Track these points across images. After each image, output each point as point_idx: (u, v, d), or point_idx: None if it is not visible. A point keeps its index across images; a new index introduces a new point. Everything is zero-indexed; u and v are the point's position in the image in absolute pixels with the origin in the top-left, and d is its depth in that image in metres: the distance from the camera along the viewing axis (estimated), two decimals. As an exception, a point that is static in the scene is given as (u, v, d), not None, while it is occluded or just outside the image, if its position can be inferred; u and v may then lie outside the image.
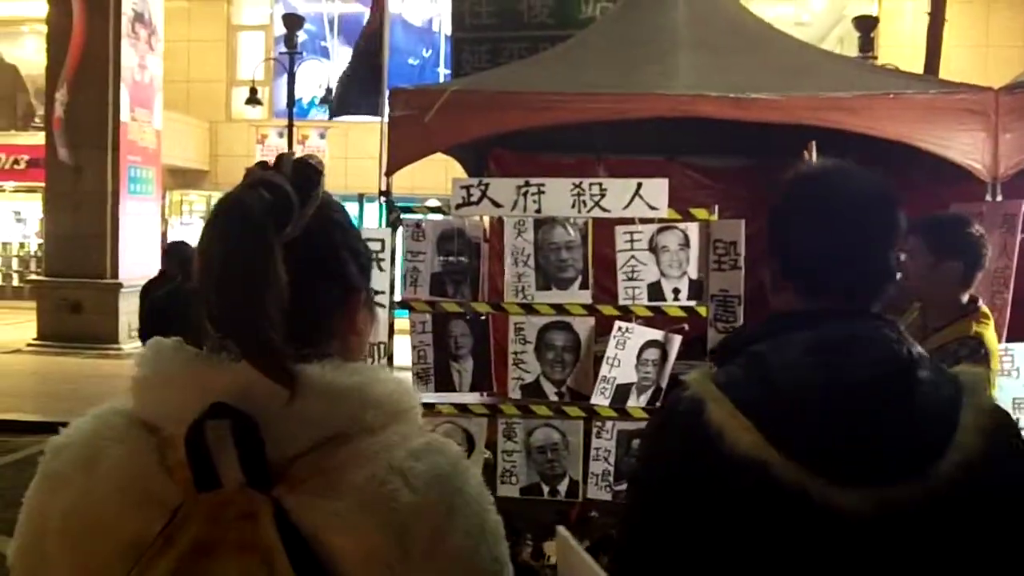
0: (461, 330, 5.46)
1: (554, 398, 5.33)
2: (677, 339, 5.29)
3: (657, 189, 5.14)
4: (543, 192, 5.24)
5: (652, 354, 5.27)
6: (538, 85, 5.44)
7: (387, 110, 5.53)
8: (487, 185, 5.26)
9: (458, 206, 5.33)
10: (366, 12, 22.53)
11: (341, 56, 22.21)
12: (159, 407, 1.13)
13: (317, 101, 20.74)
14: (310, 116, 22.14)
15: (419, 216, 5.53)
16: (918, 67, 9.67)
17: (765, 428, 1.43)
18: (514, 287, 5.31)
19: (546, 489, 5.36)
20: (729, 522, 1.42)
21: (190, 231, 26.19)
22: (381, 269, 5.35)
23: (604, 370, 5.23)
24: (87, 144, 17.77)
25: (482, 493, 1.20)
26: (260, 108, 20.18)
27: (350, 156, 19.45)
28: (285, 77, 22.67)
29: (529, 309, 5.28)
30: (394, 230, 5.43)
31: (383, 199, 5.54)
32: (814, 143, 4.84)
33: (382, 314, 5.38)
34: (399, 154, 5.40)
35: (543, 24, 8.29)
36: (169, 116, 20.13)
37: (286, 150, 15.58)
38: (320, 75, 21.52)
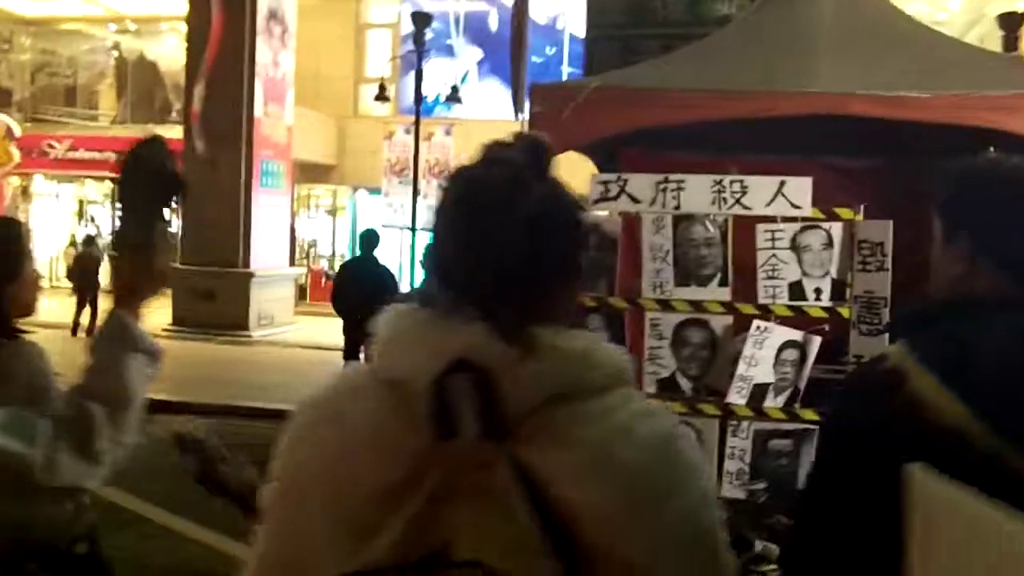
0: (596, 324, 5.49)
1: (690, 395, 5.32)
2: (817, 340, 5.22)
3: (800, 187, 5.10)
4: (682, 188, 5.25)
5: (791, 355, 5.22)
6: (676, 82, 5.44)
7: (527, 106, 5.60)
8: (626, 181, 5.29)
9: (595, 201, 5.37)
10: (491, 11, 22.81)
11: (467, 55, 22.54)
12: (402, 365, 1.20)
13: (443, 98, 21.02)
14: (435, 113, 22.47)
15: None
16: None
17: (970, 402, 1.50)
18: (651, 283, 5.33)
19: (679, 486, 5.36)
20: None
21: (317, 224, 26.88)
22: (519, 263, 5.43)
23: (741, 369, 5.19)
24: (222, 138, 18.39)
25: (700, 459, 1.24)
26: (387, 105, 20.57)
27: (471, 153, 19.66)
28: (411, 74, 23.14)
29: (666, 305, 5.29)
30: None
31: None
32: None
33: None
34: (539, 149, 5.46)
35: (677, 22, 8.27)
36: (299, 112, 20.68)
37: (412, 146, 15.83)
38: (446, 73, 21.82)
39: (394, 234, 17.61)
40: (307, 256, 25.89)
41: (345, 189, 24.90)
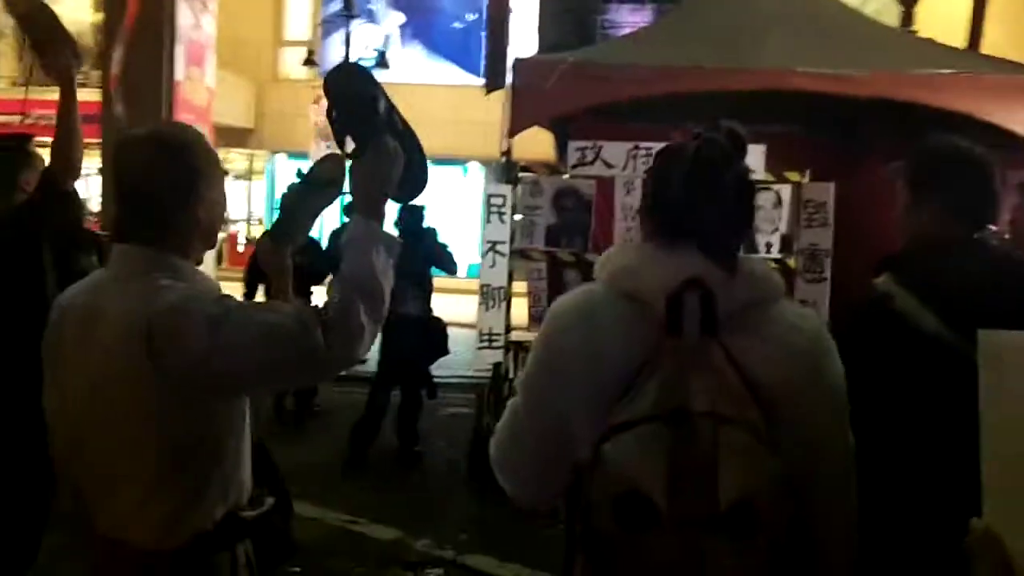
0: (573, 277, 6.12)
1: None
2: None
3: (754, 154, 5.79)
4: (651, 155, 5.87)
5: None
6: (647, 59, 6.05)
7: (509, 77, 6.13)
8: (600, 148, 5.91)
9: (573, 166, 5.99)
10: (412, -24, 23.10)
11: (389, 19, 22.76)
12: (640, 282, 1.76)
13: (367, 64, 21.26)
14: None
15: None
16: (956, 41, 10.18)
17: (941, 314, 2.19)
18: (623, 239, 5.97)
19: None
20: (909, 379, 2.17)
21: (233, 189, 26.77)
22: (503, 222, 6.02)
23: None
24: (143, 102, 18.31)
25: (835, 347, 1.84)
26: (306, 68, 20.68)
27: (407, 117, 19.99)
28: (332, 39, 23.34)
29: (636, 259, 5.94)
30: (514, 187, 6.08)
31: (504, 159, 6.18)
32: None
33: (502, 262, 6.06)
34: (520, 120, 6.03)
35: (624, -2, 8.88)
36: (218, 75, 20.64)
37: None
38: (367, 37, 22.02)
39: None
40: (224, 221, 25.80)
41: (263, 153, 24.92)
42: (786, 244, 5.87)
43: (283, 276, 2.22)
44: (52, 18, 3.40)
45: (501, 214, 5.98)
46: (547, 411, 1.80)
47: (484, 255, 6.02)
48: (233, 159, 26.09)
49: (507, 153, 6.18)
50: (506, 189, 6.04)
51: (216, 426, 1.88)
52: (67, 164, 3.33)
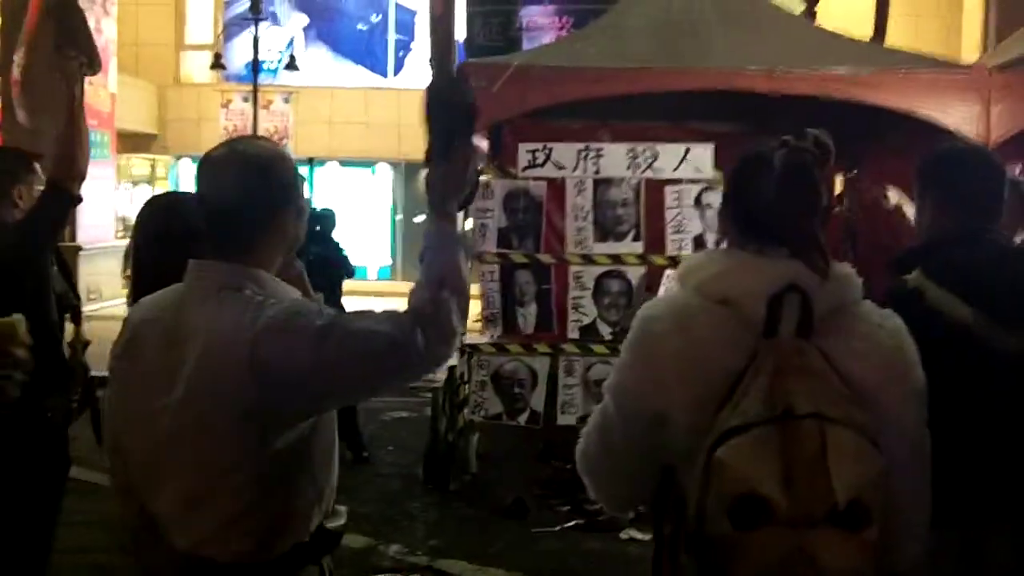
0: (526, 279, 6.14)
1: (609, 338, 6.05)
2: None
3: (703, 154, 5.91)
4: (601, 156, 5.97)
5: (694, 298, 6.02)
6: (591, 60, 6.10)
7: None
8: (551, 150, 5.95)
9: (524, 168, 6.02)
10: (316, -23, 22.85)
11: (293, 21, 22.49)
12: (736, 288, 1.78)
13: (272, 66, 20.99)
14: (261, 80, 22.33)
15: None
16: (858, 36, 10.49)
17: (970, 303, 2.32)
18: (574, 240, 6.02)
19: (600, 417, 6.09)
20: (950, 369, 2.25)
21: (136, 195, 26.14)
22: (454, 225, 6.00)
23: (655, 312, 5.96)
24: (46, 107, 17.78)
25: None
26: (210, 71, 20.34)
27: (310, 121, 19.82)
28: (235, 41, 22.93)
29: (588, 260, 5.99)
30: (465, 189, 6.06)
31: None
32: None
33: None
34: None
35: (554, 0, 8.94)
36: (119, 80, 20.16)
37: (251, 114, 15.71)
38: (271, 39, 21.73)
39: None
40: (126, 228, 25.18)
41: (166, 159, 24.37)
42: (735, 241, 5.97)
43: (302, 284, 2.20)
44: (82, 21, 3.55)
45: (452, 217, 5.95)
46: (643, 416, 1.81)
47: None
48: (135, 165, 25.49)
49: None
50: (457, 192, 6.01)
51: (311, 437, 1.86)
52: (73, 169, 3.32)
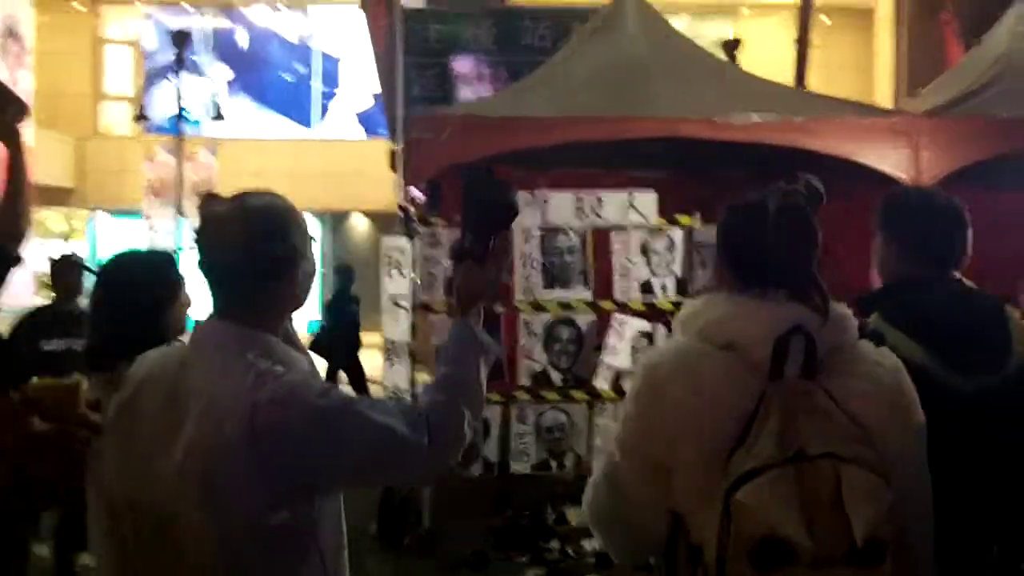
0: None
1: (560, 385, 6.06)
2: (662, 329, 6.11)
3: (647, 200, 6.00)
4: (548, 204, 6.01)
5: (643, 343, 6.08)
6: (538, 109, 6.17)
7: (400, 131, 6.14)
8: (498, 198, 5.97)
9: (472, 217, 6.02)
10: (239, 28, 22.74)
11: (215, 72, 22.33)
12: (742, 332, 1.80)
13: (193, 117, 20.79)
14: (177, 132, 22.07)
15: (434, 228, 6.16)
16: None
17: (926, 346, 2.34)
18: (523, 288, 6.04)
19: (554, 464, 6.09)
20: None
21: (52, 251, 25.50)
22: (402, 275, 5.99)
23: (605, 358, 6.01)
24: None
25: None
26: (130, 124, 20.07)
27: (235, 173, 19.61)
28: (156, 92, 22.62)
29: (538, 307, 6.01)
30: (411, 239, 6.06)
31: (402, 212, 6.17)
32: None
33: (404, 316, 6.02)
34: (416, 172, 6.06)
35: (488, 50, 9.03)
36: (36, 133, 19.77)
37: (175, 166, 15.46)
38: (196, 91, 21.55)
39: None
40: (43, 286, 24.57)
41: (83, 212, 23.89)
42: (681, 286, 6.05)
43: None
44: None
45: (400, 268, 5.95)
46: (651, 465, 1.82)
47: (386, 310, 5.96)
48: (49, 219, 24.93)
49: (404, 208, 6.16)
50: (403, 242, 6.01)
51: (310, 520, 1.81)
52: (16, 227, 3.15)
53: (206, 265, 1.86)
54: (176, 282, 2.67)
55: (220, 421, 1.72)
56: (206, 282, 1.87)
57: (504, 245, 2.04)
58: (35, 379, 1.65)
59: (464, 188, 2.06)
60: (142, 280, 2.59)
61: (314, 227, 22.78)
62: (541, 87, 6.57)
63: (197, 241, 1.86)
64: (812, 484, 1.66)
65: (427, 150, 5.97)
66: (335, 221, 23.14)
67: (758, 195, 1.90)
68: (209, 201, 1.90)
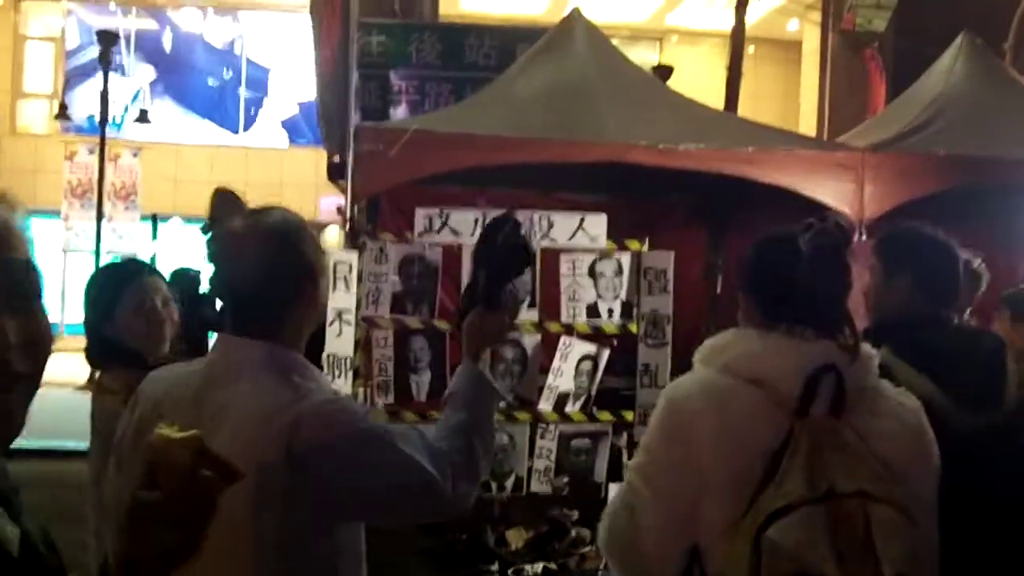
0: (420, 345, 6.06)
1: (504, 405, 6.02)
2: (606, 352, 6.12)
3: (597, 223, 6.00)
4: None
5: (586, 366, 6.08)
6: (489, 127, 6.15)
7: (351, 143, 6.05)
8: (448, 215, 5.93)
9: (421, 233, 5.98)
10: (165, 30, 22.31)
11: (139, 73, 21.88)
12: (772, 368, 1.80)
13: (129, 119, 20.36)
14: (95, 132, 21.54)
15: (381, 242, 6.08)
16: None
17: (932, 380, 2.45)
18: (469, 292, 5.98)
19: (494, 485, 6.03)
20: None
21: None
22: (348, 289, 5.90)
23: (549, 379, 5.99)
24: None
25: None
26: (48, 123, 19.57)
27: (156, 177, 19.20)
28: (77, 92, 22.07)
29: (484, 326, 5.96)
30: (360, 253, 5.97)
31: (348, 225, 6.08)
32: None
33: (348, 331, 5.92)
34: (364, 185, 5.98)
35: (430, 64, 8.98)
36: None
37: (96, 167, 15.20)
38: (119, 92, 21.09)
39: (76, 259, 16.83)
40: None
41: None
42: (627, 310, 6.06)
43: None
44: None
45: (347, 281, 5.85)
46: (676, 497, 1.81)
47: (330, 324, 5.86)
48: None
49: (351, 220, 6.07)
50: (351, 255, 5.92)
51: (331, 548, 1.79)
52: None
53: (226, 284, 1.82)
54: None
55: (256, 435, 1.71)
56: (226, 300, 1.82)
57: (518, 291, 2.04)
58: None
59: (487, 232, 2.06)
60: None
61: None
62: (491, 105, 6.55)
63: (215, 259, 1.81)
64: (842, 522, 1.66)
65: (375, 164, 5.91)
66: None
67: (785, 231, 1.90)
68: (223, 204, 1.87)
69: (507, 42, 9.02)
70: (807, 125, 19.46)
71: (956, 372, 2.49)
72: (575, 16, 7.32)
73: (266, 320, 1.81)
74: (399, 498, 1.80)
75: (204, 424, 1.72)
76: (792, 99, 21.43)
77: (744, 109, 19.21)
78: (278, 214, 1.92)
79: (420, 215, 5.97)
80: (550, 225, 5.98)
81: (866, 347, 1.90)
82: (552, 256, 6.10)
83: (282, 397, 1.71)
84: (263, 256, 1.80)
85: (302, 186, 20.52)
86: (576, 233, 5.97)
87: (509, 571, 5.65)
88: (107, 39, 15.93)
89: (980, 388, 2.50)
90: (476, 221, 5.96)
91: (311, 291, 1.87)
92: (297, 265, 1.83)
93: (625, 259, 6.09)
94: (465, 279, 6.02)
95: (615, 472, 6.12)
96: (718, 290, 8.18)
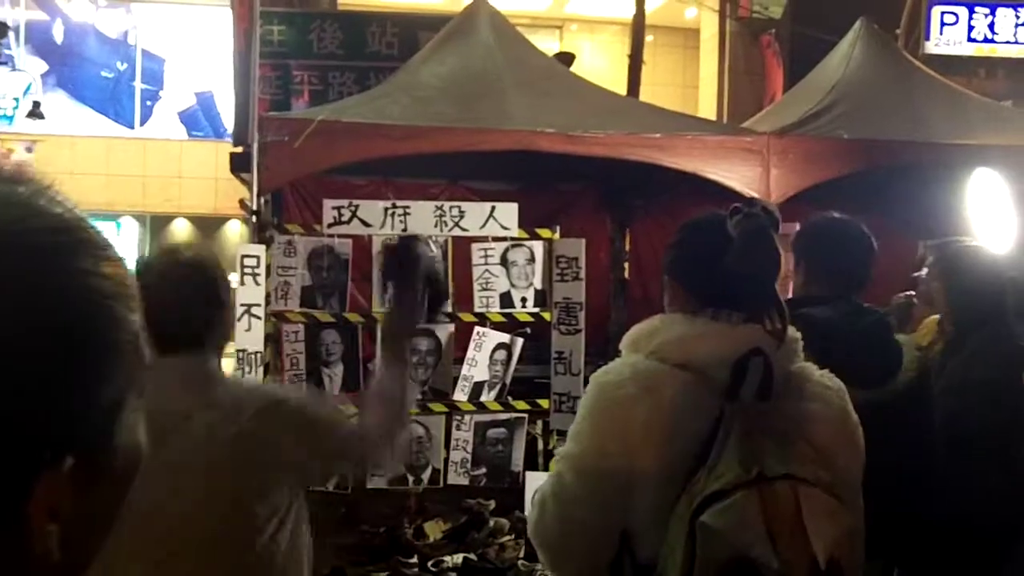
0: (332, 338, 5.97)
1: (418, 397, 5.96)
2: (520, 342, 6.11)
3: (508, 212, 5.98)
4: (408, 214, 5.92)
5: (501, 355, 6.06)
6: (395, 116, 6.07)
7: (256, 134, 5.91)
8: (357, 207, 5.85)
9: (330, 225, 5.88)
10: (56, 21, 21.58)
11: (29, 66, 21.10)
12: (701, 353, 1.79)
13: (20, 113, 19.65)
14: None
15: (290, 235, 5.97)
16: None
17: (817, 357, 2.46)
18: (382, 298, 5.90)
19: (411, 479, 5.98)
20: None
21: None
22: (257, 284, 5.78)
23: (464, 370, 5.96)
24: None
25: None
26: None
27: (50, 171, 18.48)
28: (-38, 85, 21.23)
29: (396, 318, 5.90)
30: (267, 247, 5.85)
31: (254, 218, 5.94)
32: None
33: (257, 325, 5.80)
34: (270, 177, 5.85)
35: (332, 55, 8.85)
36: None
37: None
38: (8, 85, 20.33)
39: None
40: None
41: None
42: (540, 298, 6.06)
43: None
44: None
45: (255, 275, 5.73)
46: (607, 483, 1.79)
47: (239, 319, 5.73)
48: None
49: (257, 212, 5.94)
50: (259, 249, 5.80)
51: (296, 532, 2.09)
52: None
53: (152, 312, 1.80)
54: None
55: (222, 427, 1.98)
56: (160, 322, 1.87)
57: (419, 298, 2.37)
58: None
59: (401, 249, 2.25)
60: None
61: (133, 230, 21.82)
62: (396, 94, 6.46)
63: (146, 283, 1.90)
64: (775, 506, 1.66)
65: (281, 154, 5.79)
66: (155, 224, 22.24)
67: (712, 215, 1.90)
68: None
69: (410, 30, 8.94)
70: (707, 111, 19.70)
71: (843, 349, 2.54)
72: (479, 3, 7.27)
73: (197, 337, 2.13)
74: (332, 456, 2.26)
75: (163, 433, 1.93)
76: (691, 86, 21.68)
77: (645, 96, 19.38)
78: (191, 248, 2.40)
79: (329, 207, 5.87)
80: (461, 214, 5.93)
81: (792, 331, 1.90)
82: (463, 245, 6.06)
83: (241, 393, 2.18)
84: (192, 281, 2.14)
85: (203, 179, 20.08)
86: (487, 222, 5.94)
87: (429, 564, 5.61)
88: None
89: (869, 365, 2.56)
90: (386, 211, 5.90)
91: (226, 308, 2.24)
92: (216, 288, 2.17)
93: (537, 247, 6.08)
94: (377, 268, 5.97)
95: (531, 461, 6.12)
96: (625, 275, 8.27)
